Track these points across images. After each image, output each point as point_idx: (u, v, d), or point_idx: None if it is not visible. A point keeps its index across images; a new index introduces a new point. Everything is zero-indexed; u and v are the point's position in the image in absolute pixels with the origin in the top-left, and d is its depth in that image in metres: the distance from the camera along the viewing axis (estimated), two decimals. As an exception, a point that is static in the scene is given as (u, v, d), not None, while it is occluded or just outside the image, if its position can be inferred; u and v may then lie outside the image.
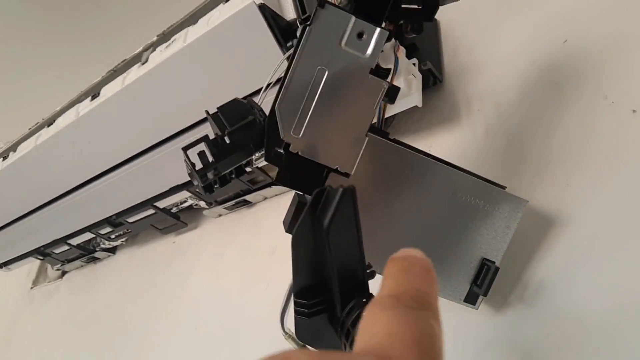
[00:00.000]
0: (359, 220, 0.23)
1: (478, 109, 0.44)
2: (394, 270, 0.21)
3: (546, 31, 0.43)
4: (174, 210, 0.61)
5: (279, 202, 0.56)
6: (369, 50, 0.27)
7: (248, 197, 0.57)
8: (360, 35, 0.27)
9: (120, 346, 0.62)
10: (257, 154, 0.29)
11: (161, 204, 0.59)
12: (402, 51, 0.41)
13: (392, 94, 0.28)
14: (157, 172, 0.53)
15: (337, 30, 0.27)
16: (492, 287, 0.33)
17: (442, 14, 0.51)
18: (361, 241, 0.23)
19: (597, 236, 0.33)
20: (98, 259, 0.76)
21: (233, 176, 0.29)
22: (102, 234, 0.66)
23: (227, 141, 0.27)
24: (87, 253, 0.73)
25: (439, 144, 0.45)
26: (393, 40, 0.35)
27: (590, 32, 0.40)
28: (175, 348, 0.55)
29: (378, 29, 0.27)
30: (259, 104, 0.31)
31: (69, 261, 0.76)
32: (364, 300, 0.24)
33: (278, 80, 0.30)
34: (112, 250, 0.74)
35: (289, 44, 0.39)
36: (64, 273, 0.82)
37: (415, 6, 0.31)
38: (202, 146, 0.28)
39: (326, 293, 0.25)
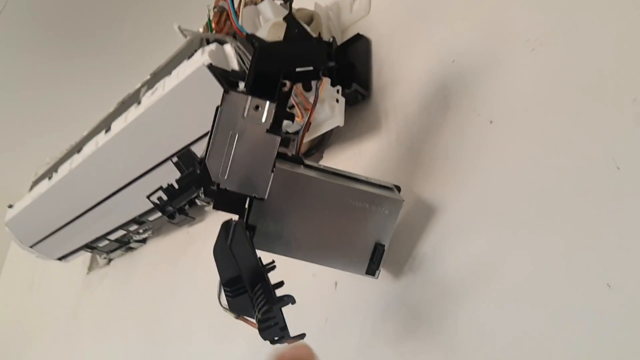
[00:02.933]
0: (249, 239, 0.37)
1: (393, 119, 0.56)
2: None
3: (441, 51, 0.54)
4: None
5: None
6: (264, 118, 0.40)
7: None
8: (256, 108, 0.40)
9: (156, 314, 0.79)
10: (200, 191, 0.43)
11: (171, 205, 0.74)
12: (325, 83, 0.54)
13: (286, 141, 0.41)
14: (160, 183, 0.68)
15: (240, 106, 0.40)
16: (385, 262, 0.46)
17: (372, 33, 0.63)
18: (254, 250, 0.37)
19: (462, 221, 0.45)
20: (134, 248, 0.93)
21: (187, 207, 0.43)
22: (132, 230, 0.83)
23: (176, 186, 0.41)
24: (124, 244, 0.90)
25: (366, 149, 0.57)
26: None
27: (470, 53, 0.51)
28: (193, 310, 0.71)
29: (267, 102, 0.40)
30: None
31: (112, 251, 0.94)
32: (262, 284, 0.38)
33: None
34: (144, 241, 0.91)
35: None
36: (110, 260, 1.00)
37: (309, 68, 0.44)
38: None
39: (241, 282, 0.39)
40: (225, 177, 0.41)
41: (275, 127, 0.41)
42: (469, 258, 0.43)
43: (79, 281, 1.08)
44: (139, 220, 0.79)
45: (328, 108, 0.53)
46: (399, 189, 0.48)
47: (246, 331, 0.39)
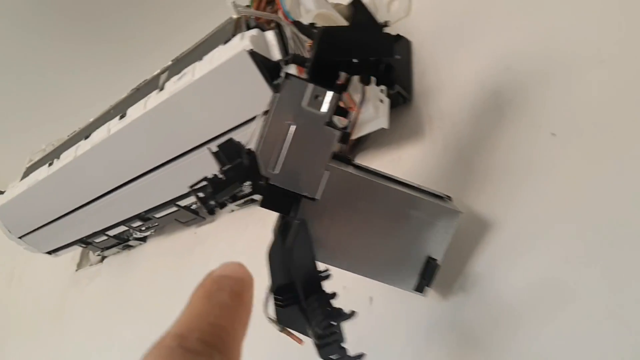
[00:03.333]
0: (310, 241, 0.32)
1: (438, 126, 0.52)
2: (196, 297, 0.19)
3: (493, 58, 0.51)
4: (194, 207, 0.72)
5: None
6: (324, 108, 0.36)
7: (256, 196, 0.67)
8: (316, 97, 0.36)
9: (154, 319, 0.74)
10: (245, 185, 0.38)
11: (182, 202, 0.69)
12: (372, 82, 0.50)
13: (345, 138, 0.37)
14: (178, 179, 0.63)
15: (299, 94, 0.36)
16: (436, 279, 0.42)
17: (413, 35, 0.59)
18: (314, 255, 0.33)
19: (521, 238, 0.42)
20: (132, 246, 0.88)
21: (229, 201, 0.39)
22: (134, 227, 0.77)
23: (222, 177, 0.37)
24: (123, 242, 0.85)
25: (407, 156, 0.54)
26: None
27: (528, 60, 0.48)
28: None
29: (329, 92, 0.36)
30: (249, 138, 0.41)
31: (107, 248, 0.88)
32: (318, 295, 0.33)
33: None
34: (144, 239, 0.85)
35: (275, 82, 0.48)
36: (103, 258, 0.94)
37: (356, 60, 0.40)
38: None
39: (294, 290, 0.34)
40: (276, 172, 0.37)
41: (332, 120, 0.37)
42: (531, 277, 0.40)
43: (66, 278, 1.01)
44: (144, 217, 0.74)
45: (372, 108, 0.49)
46: (450, 199, 0.45)
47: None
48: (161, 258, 0.80)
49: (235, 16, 0.56)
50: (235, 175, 0.38)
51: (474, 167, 0.47)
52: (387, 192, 0.41)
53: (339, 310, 0.32)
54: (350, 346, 0.48)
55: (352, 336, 0.48)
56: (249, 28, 0.50)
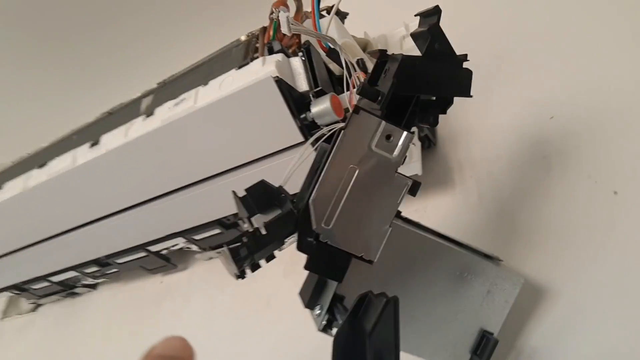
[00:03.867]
0: (398, 328, 0.25)
1: (471, 175, 0.47)
2: None
3: (534, 105, 0.47)
4: (165, 252, 0.62)
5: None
6: (397, 151, 0.30)
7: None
8: (388, 137, 0.30)
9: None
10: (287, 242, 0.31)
11: (154, 247, 0.59)
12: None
13: (415, 188, 0.31)
14: (154, 221, 0.54)
15: (368, 133, 0.29)
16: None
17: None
18: (398, 348, 0.26)
19: (582, 308, 0.37)
20: (78, 294, 0.75)
21: (264, 262, 0.31)
22: (87, 273, 0.66)
23: (263, 232, 0.29)
24: (67, 289, 0.72)
25: (434, 206, 0.48)
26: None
27: (576, 110, 0.44)
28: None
29: (405, 132, 0.29)
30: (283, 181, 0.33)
31: (46, 296, 0.75)
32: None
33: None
34: (93, 286, 0.73)
35: (302, 116, 0.41)
36: (37, 306, 0.80)
37: (432, 98, 0.34)
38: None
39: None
40: (330, 227, 0.30)
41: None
42: (597, 354, 0.34)
43: (-14, 328, 0.85)
44: (103, 262, 0.63)
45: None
46: (501, 262, 0.39)
47: None
48: (117, 310, 0.68)
49: (243, 38, 0.49)
50: (281, 230, 0.30)
51: (519, 224, 0.42)
52: (447, 253, 0.35)
53: None
54: None
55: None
56: (271, 52, 0.43)
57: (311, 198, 0.29)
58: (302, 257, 0.38)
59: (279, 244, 0.30)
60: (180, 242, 0.58)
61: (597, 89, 0.44)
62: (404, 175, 0.30)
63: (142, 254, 0.60)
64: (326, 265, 0.31)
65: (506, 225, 0.43)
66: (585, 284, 0.37)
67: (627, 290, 0.35)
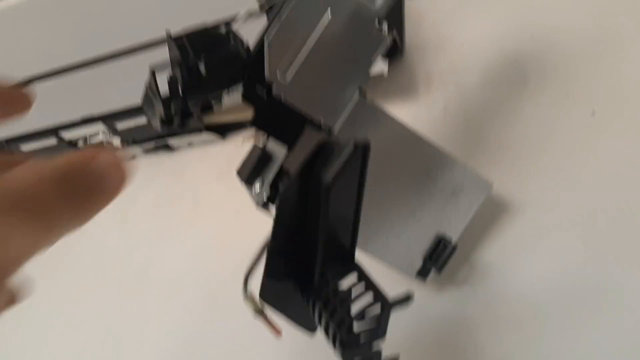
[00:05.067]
0: (364, 182, 0.20)
1: (437, 87, 0.43)
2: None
3: (514, 22, 0.43)
4: (80, 143, 0.54)
5: (206, 152, 0.51)
6: (380, 0, 0.24)
7: (171, 141, 0.52)
8: (371, -21, 0.24)
9: None
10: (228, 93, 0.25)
11: (67, 134, 0.51)
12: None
13: (391, 51, 0.26)
14: (71, 98, 0.46)
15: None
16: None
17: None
18: (360, 206, 0.21)
19: (544, 228, 0.34)
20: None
21: (197, 112, 0.25)
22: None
23: (203, 71, 0.23)
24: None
25: (396, 114, 0.43)
26: None
27: (557, 30, 0.41)
28: (69, 300, 0.49)
29: (393, -25, 0.24)
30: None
31: None
32: (346, 271, 0.21)
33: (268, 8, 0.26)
34: None
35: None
36: None
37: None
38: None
39: (304, 257, 0.22)
40: (287, 80, 0.24)
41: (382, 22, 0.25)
42: (554, 272, 0.32)
43: None
44: (1, 147, 0.54)
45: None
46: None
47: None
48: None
49: None
50: (224, 70, 0.24)
51: (487, 139, 0.39)
52: (419, 145, 0.30)
53: (382, 294, 0.20)
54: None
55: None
56: None
57: (267, 34, 0.23)
58: (240, 160, 0.33)
59: (218, 91, 0.24)
60: (99, 132, 0.51)
61: (579, 8, 0.41)
62: (384, 30, 0.25)
63: (53, 141, 0.52)
64: (276, 123, 0.25)
65: (472, 138, 0.39)
66: (552, 204, 0.35)
67: (595, 215, 0.33)
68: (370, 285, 0.20)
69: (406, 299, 0.19)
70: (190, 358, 0.41)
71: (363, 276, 0.21)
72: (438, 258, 0.32)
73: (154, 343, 0.43)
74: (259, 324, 0.39)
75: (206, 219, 0.46)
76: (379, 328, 0.19)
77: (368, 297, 0.20)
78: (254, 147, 0.29)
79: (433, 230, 0.32)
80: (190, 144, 0.52)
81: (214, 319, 0.42)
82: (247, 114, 0.47)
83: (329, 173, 0.19)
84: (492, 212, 0.35)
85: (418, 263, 0.32)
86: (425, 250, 0.32)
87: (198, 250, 0.45)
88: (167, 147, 0.53)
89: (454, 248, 0.32)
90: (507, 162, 0.37)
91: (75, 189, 0.13)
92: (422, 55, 0.46)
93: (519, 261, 0.34)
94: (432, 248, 0.32)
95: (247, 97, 0.24)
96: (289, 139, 0.25)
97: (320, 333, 0.22)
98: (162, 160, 0.53)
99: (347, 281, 0.21)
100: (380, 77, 0.41)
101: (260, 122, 0.25)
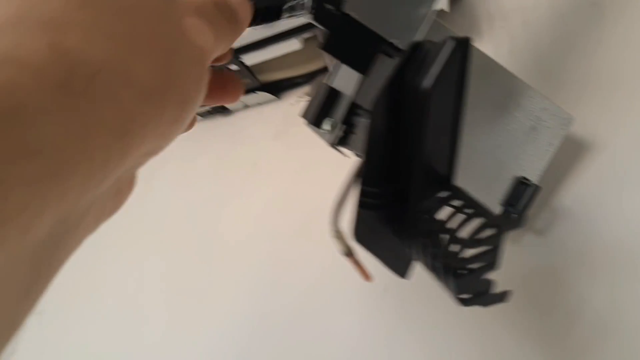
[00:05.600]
0: (466, 87, 0.18)
1: (502, 25, 0.40)
2: None
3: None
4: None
5: (261, 112, 0.50)
6: None
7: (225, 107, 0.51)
8: None
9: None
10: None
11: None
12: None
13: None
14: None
15: None
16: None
17: None
18: (461, 118, 0.19)
19: (629, 168, 0.31)
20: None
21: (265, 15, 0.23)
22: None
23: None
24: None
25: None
26: None
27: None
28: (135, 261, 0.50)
29: None
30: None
31: None
32: (446, 196, 0.20)
33: None
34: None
35: None
36: None
37: None
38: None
39: (399, 184, 0.20)
40: (357, -3, 0.23)
41: None
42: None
43: None
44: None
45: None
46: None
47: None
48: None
49: None
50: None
51: (559, 75, 0.36)
52: (495, 73, 0.28)
53: (492, 214, 0.18)
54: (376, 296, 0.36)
55: (378, 287, 0.36)
56: None
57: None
58: (297, 118, 0.31)
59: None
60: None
61: None
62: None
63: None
64: (348, 48, 0.24)
65: (543, 77, 0.37)
66: (636, 140, 0.32)
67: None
68: (477, 208, 0.18)
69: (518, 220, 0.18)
70: (259, 320, 0.41)
71: (467, 199, 0.19)
72: (519, 201, 0.29)
73: (220, 307, 0.43)
74: (326, 283, 0.39)
75: (266, 180, 0.45)
76: (495, 251, 0.17)
77: (476, 222, 0.18)
78: (319, 85, 0.28)
79: (513, 170, 0.30)
80: (245, 106, 0.51)
81: (281, 279, 0.41)
82: (300, 69, 0.47)
83: (428, 76, 0.18)
84: (571, 153, 0.33)
85: (496, 209, 0.30)
86: (503, 194, 0.30)
87: (260, 212, 0.45)
88: (223, 110, 0.52)
89: (537, 188, 0.29)
90: (584, 100, 0.34)
91: (224, 13, 0.17)
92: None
93: (600, 206, 0.31)
94: (512, 192, 0.30)
95: (318, 16, 0.23)
96: (362, 64, 0.24)
97: (420, 267, 0.20)
98: (219, 123, 0.53)
99: (449, 207, 0.19)
100: (441, 13, 0.39)
101: (331, 46, 0.23)
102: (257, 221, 0.44)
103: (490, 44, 0.40)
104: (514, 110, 0.29)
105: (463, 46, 0.17)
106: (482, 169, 0.29)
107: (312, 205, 0.41)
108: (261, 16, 0.21)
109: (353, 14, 0.23)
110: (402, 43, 0.24)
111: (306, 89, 0.48)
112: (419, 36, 0.24)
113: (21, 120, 0.10)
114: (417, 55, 0.19)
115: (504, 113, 0.29)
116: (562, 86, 0.36)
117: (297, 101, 0.48)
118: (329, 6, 0.23)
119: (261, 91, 0.47)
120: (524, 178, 0.30)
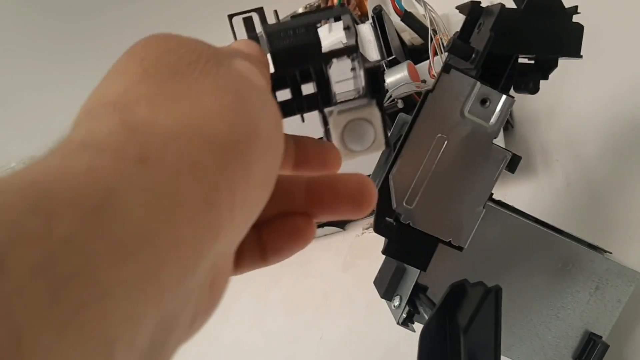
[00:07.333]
0: (500, 325, 0.21)
1: (557, 159, 0.42)
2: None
3: (624, 83, 0.41)
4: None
5: (329, 244, 0.53)
6: (494, 119, 0.25)
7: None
8: (484, 102, 0.25)
9: None
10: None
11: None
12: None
13: (514, 163, 0.26)
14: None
15: (460, 96, 0.25)
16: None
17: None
18: (499, 346, 0.21)
19: None
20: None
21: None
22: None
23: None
24: None
25: (514, 192, 0.43)
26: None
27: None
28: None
29: (504, 96, 0.25)
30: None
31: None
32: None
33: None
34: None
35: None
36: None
37: (531, 61, 0.29)
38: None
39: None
40: (413, 206, 0.26)
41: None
42: None
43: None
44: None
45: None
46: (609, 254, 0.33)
47: None
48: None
49: (301, 10, 0.46)
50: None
51: (616, 211, 0.37)
52: (550, 242, 0.30)
53: None
54: None
55: None
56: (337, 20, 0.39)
57: (391, 172, 0.25)
58: (364, 249, 0.33)
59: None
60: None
61: None
62: (502, 147, 0.26)
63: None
64: (408, 250, 0.26)
65: (601, 213, 0.38)
66: None
67: None
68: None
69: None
70: None
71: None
72: (588, 358, 0.30)
73: None
74: None
75: (338, 312, 0.48)
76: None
77: None
78: (387, 261, 0.31)
79: (580, 328, 0.31)
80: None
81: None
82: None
83: (463, 317, 0.20)
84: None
85: (567, 364, 0.31)
86: (574, 350, 0.31)
87: (336, 345, 0.46)
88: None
89: (607, 346, 0.30)
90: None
91: (260, 59, 0.16)
92: (533, 127, 0.45)
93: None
94: (582, 347, 0.31)
95: (378, 229, 0.26)
96: (422, 263, 0.26)
97: None
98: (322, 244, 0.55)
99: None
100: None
101: (392, 251, 0.26)
102: (332, 355, 0.46)
103: (546, 177, 0.42)
104: (575, 274, 0.30)
105: (495, 294, 0.20)
106: (550, 329, 0.30)
107: (385, 342, 0.43)
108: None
109: (410, 223, 0.26)
110: (459, 241, 0.26)
111: (370, 220, 0.51)
112: (472, 233, 0.26)
113: (113, 208, 0.09)
114: (456, 294, 0.21)
115: (565, 278, 0.30)
116: (620, 222, 0.36)
117: (362, 232, 0.51)
118: (389, 219, 0.26)
119: (327, 226, 0.51)
120: (594, 334, 0.31)
